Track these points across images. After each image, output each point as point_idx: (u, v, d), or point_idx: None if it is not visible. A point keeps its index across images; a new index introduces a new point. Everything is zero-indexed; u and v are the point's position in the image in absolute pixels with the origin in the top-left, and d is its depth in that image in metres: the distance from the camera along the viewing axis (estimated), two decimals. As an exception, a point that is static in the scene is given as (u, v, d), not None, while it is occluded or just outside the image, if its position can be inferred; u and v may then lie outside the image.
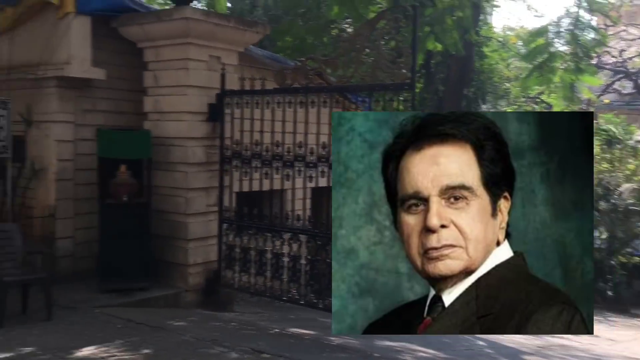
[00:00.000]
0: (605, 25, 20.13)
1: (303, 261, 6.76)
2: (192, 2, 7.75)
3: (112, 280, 7.07)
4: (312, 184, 7.03)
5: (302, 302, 6.82)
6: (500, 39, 21.97)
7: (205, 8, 12.88)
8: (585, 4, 13.47)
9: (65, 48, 7.39)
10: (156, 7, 10.49)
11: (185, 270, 7.48)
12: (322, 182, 6.81)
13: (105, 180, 7.32)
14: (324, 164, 6.59)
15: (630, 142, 20.02)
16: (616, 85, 24.39)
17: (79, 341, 5.36)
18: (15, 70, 7.83)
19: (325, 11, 13.14)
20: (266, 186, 7.25)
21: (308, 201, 9.81)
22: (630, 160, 20.69)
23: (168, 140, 7.58)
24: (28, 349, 5.11)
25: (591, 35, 13.74)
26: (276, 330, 6.38)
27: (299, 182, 7.13)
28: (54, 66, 7.44)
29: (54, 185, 7.55)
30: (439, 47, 11.43)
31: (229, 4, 17.73)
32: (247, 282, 7.32)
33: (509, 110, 21.61)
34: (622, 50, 23.27)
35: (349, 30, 16.10)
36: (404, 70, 6.07)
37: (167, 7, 9.34)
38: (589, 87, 17.08)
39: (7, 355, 4.98)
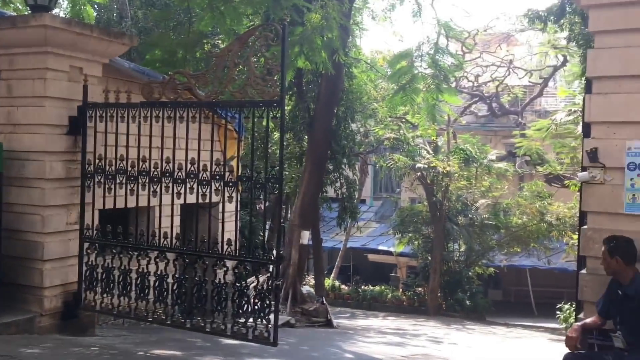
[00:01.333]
0: (463, 51, 21.67)
1: (170, 280, 6.57)
2: (51, 10, 7.32)
3: (-45, 306, 6.45)
4: (181, 201, 6.86)
5: (169, 322, 6.60)
6: (369, 61, 22.85)
7: (66, 16, 12.25)
8: (443, 32, 14.38)
9: None
10: (12, 12, 9.81)
11: (41, 293, 6.98)
12: (191, 199, 6.67)
13: (-52, 198, 6.69)
14: (192, 180, 6.47)
15: (485, 161, 21.66)
16: (472, 108, 26.25)
17: None
18: None
19: (197, 25, 12.96)
20: (132, 203, 6.97)
21: (177, 218, 9.55)
22: (485, 178, 22.37)
23: (23, 154, 7.06)
24: None
25: (450, 60, 14.67)
26: (140, 353, 6.12)
27: (167, 199, 6.93)
28: None
29: None
30: (309, 65, 11.68)
31: (95, 14, 17.03)
32: (110, 304, 6.96)
33: (377, 130, 22.50)
34: (478, 76, 25.12)
35: (222, 45, 16.05)
36: (273, 88, 6.11)
37: (24, 14, 8.78)
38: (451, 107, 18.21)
39: None
